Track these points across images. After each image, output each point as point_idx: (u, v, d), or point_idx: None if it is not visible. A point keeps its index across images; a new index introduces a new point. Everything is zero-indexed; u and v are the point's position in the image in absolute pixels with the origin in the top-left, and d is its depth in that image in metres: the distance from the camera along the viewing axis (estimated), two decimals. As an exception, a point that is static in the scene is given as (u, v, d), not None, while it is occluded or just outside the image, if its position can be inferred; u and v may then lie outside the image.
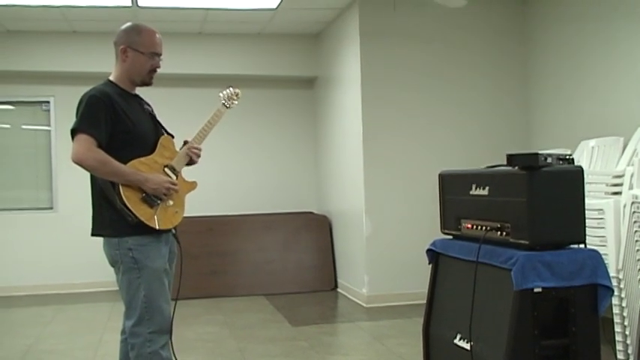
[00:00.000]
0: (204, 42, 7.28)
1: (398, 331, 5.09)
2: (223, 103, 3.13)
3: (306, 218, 7.32)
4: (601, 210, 3.93)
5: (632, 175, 4.14)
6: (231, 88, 3.15)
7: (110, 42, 2.97)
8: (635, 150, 4.43)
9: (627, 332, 3.77)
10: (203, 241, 6.84)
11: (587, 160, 4.88)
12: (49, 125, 7.30)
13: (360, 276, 6.24)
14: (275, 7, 6.26)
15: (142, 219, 2.74)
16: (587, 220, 2.89)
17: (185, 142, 3.04)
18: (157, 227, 2.78)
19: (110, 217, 2.78)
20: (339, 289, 6.94)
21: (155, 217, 2.79)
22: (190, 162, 3.04)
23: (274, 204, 7.65)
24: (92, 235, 2.88)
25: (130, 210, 2.72)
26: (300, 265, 7.02)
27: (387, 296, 6.05)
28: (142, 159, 2.83)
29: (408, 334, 4.92)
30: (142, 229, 2.76)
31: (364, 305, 6.07)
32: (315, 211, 7.69)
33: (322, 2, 6.19)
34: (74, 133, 2.74)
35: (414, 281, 5.72)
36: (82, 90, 2.86)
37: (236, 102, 3.15)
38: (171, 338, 2.89)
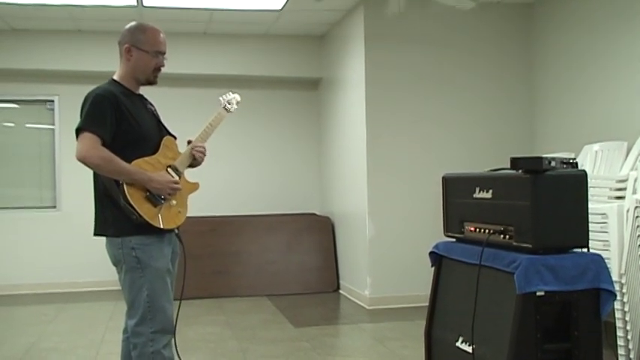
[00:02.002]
0: (209, 42, 7.28)
1: (400, 333, 5.08)
2: (224, 107, 3.13)
3: (309, 220, 7.32)
4: (604, 214, 3.92)
5: (635, 180, 4.13)
6: (230, 93, 3.16)
7: (115, 41, 2.97)
8: (639, 155, 4.42)
9: (629, 337, 3.76)
10: (206, 241, 6.84)
11: (590, 164, 4.88)
12: (53, 124, 7.31)
13: (362, 278, 6.24)
14: (280, 8, 6.26)
15: (146, 217, 2.74)
16: (590, 225, 2.89)
17: (189, 142, 3.05)
18: (161, 226, 2.79)
19: (113, 216, 2.78)
20: (341, 291, 6.93)
21: (159, 215, 2.79)
22: (194, 163, 3.04)
23: (277, 205, 7.65)
24: (95, 234, 2.89)
25: (133, 208, 2.72)
26: (303, 266, 7.02)
27: (389, 298, 6.04)
28: (147, 158, 2.83)
29: (411, 337, 4.91)
30: (145, 228, 2.76)
31: (366, 307, 6.06)
32: (318, 213, 7.69)
33: (327, 4, 6.19)
34: (79, 131, 2.74)
35: (417, 283, 5.71)
36: (87, 89, 2.86)
37: (235, 107, 3.17)
38: (174, 338, 2.89)
